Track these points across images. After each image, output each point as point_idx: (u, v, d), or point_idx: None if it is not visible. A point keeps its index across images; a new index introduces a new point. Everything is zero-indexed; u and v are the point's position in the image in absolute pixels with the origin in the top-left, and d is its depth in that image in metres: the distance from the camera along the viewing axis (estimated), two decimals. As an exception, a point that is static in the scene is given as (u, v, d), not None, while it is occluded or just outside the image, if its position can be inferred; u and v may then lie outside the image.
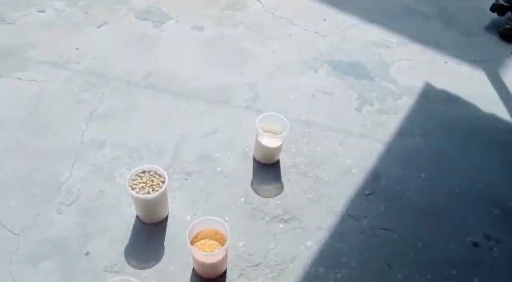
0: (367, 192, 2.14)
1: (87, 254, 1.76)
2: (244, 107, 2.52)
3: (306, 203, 2.05)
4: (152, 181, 1.76)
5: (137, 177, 1.77)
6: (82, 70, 2.59)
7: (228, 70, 2.74)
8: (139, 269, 1.74)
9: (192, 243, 1.65)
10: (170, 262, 1.77)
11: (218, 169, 2.15)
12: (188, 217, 1.93)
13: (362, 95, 2.69)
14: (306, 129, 2.42)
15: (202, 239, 1.68)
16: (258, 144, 2.12)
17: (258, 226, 1.94)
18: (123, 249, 1.79)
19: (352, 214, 2.03)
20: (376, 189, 2.16)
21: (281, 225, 1.96)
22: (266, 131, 2.16)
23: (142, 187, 1.74)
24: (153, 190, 1.74)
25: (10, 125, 2.24)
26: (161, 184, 1.76)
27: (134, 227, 1.87)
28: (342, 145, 2.36)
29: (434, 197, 2.15)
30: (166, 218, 1.91)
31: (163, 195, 1.76)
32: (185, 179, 2.08)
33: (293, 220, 1.98)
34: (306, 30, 3.13)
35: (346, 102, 2.64)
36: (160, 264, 1.76)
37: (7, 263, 1.71)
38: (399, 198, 2.13)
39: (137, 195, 1.70)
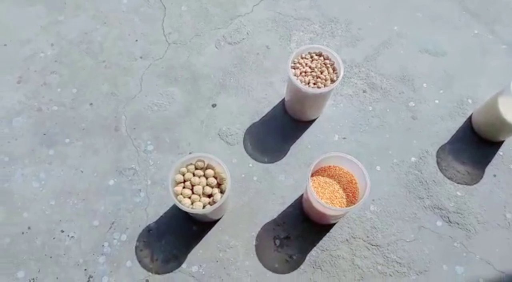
0: None
1: (213, 106, 1.50)
2: (510, 43, 1.63)
3: (496, 220, 1.33)
4: (322, 72, 1.27)
5: (308, 56, 1.29)
6: None
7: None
8: (250, 156, 1.42)
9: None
10: (281, 169, 1.40)
11: (412, 104, 1.51)
12: (336, 137, 1.45)
13: None
14: None
15: (328, 177, 1.21)
16: (493, 107, 1.34)
17: (408, 203, 1.35)
18: (247, 124, 1.47)
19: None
20: None
21: (439, 223, 1.33)
22: None
23: (305, 72, 1.26)
24: (315, 84, 1.26)
25: None
26: (329, 80, 1.26)
27: (274, 109, 1.49)
28: None
29: None
30: (313, 120, 1.47)
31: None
32: (364, 91, 1.52)
33: (460, 228, 1.33)
34: None
35: None
36: (271, 166, 1.41)
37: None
38: None
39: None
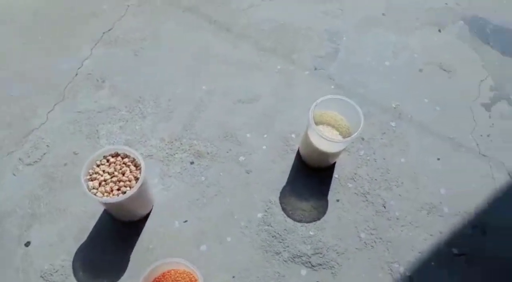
0: (455, 251, 1.35)
1: (27, 245, 1.30)
2: (311, 67, 1.71)
3: (353, 244, 1.34)
4: (123, 173, 1.16)
5: (104, 161, 1.18)
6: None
7: (303, 3, 1.88)
8: (86, 283, 1.25)
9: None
10: (132, 282, 1.25)
11: (242, 158, 1.48)
12: (176, 223, 1.35)
13: (501, 84, 1.70)
14: (393, 124, 1.58)
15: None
16: (307, 140, 1.37)
17: (269, 264, 1.30)
18: (74, 249, 1.29)
19: (420, 284, 1.30)
20: (472, 250, 1.35)
21: (303, 272, 1.30)
22: (323, 124, 1.39)
23: (105, 180, 1.15)
24: (119, 189, 1.14)
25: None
26: (133, 180, 1.15)
27: (100, 219, 1.35)
28: (442, 162, 1.51)
29: None
30: (147, 216, 1.36)
31: (139, 195, 1.17)
32: (191, 163, 1.46)
33: (324, 268, 1.31)
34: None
35: (471, 90, 1.69)
36: (116, 283, 1.26)
37: None
38: (508, 274, 1.32)
39: (92, 195, 1.12)
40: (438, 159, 1.52)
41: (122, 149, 1.18)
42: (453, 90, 1.68)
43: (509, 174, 1.50)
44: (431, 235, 1.38)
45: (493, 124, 1.61)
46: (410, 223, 1.39)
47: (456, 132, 1.58)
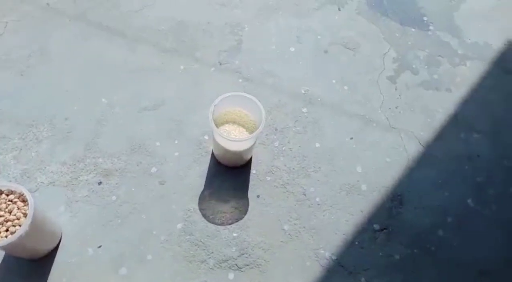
0: (376, 227, 1.38)
1: None
2: (216, 63, 1.65)
3: (278, 238, 1.33)
4: (10, 211, 1.05)
5: (-14, 201, 1.06)
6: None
7: (203, -4, 1.81)
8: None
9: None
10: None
11: (154, 169, 1.41)
12: (90, 251, 1.26)
13: (403, 55, 1.74)
14: (304, 110, 1.58)
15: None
16: (215, 143, 1.32)
17: (194, 274, 1.26)
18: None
19: (347, 266, 1.31)
20: (392, 223, 1.39)
21: (230, 276, 1.27)
22: (229, 123, 1.35)
23: (-10, 221, 1.04)
24: (7, 230, 1.04)
25: None
26: (22, 217, 1.05)
27: (4, 261, 1.23)
28: (355, 140, 1.53)
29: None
30: (56, 249, 1.26)
31: (35, 230, 1.06)
32: (99, 183, 1.37)
33: (252, 267, 1.29)
34: None
35: (375, 64, 1.72)
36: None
37: None
38: (429, 245, 1.37)
39: None
40: (351, 138, 1.54)
41: (5, 186, 1.06)
42: (359, 67, 1.70)
43: (419, 142, 1.55)
44: (352, 215, 1.40)
45: (399, 95, 1.65)
46: (331, 206, 1.40)
47: (366, 108, 1.60)
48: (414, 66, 1.72)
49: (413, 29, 1.83)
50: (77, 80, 1.55)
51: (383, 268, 1.31)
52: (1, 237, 1.02)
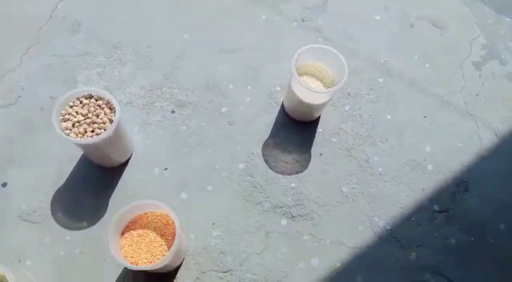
0: (436, 208, 1.35)
1: (4, 185, 1.26)
2: (298, 18, 1.64)
3: (334, 197, 1.33)
4: (97, 115, 1.11)
5: (77, 102, 1.12)
6: None
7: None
8: (64, 227, 1.22)
9: (123, 233, 1.06)
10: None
11: (224, 109, 1.43)
12: (156, 171, 1.32)
13: (492, 43, 1.66)
14: (380, 80, 1.54)
15: (140, 228, 1.07)
16: (291, 92, 1.33)
17: (249, 213, 1.29)
18: (52, 191, 1.26)
19: (399, 238, 1.29)
20: (453, 207, 1.35)
21: (283, 222, 1.29)
22: (307, 75, 1.34)
23: (78, 122, 1.10)
24: (93, 131, 1.10)
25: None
26: (108, 122, 1.11)
27: (78, 165, 1.31)
28: (428, 119, 1.49)
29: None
30: (126, 163, 1.32)
31: (115, 139, 1.12)
32: (172, 112, 1.41)
33: (305, 219, 1.30)
34: None
35: (462, 48, 1.64)
36: (93, 229, 1.23)
37: None
38: (488, 237, 1.32)
39: (65, 136, 1.07)
40: (425, 117, 1.49)
41: (96, 91, 1.12)
42: (445, 48, 1.63)
43: (495, 134, 1.49)
44: (413, 191, 1.37)
45: (482, 83, 1.58)
46: (393, 178, 1.38)
47: (445, 90, 1.55)
48: (503, 56, 1.64)
49: (508, 19, 1.73)
50: (165, 12, 1.59)
51: (436, 249, 1.29)
52: (87, 137, 1.08)
